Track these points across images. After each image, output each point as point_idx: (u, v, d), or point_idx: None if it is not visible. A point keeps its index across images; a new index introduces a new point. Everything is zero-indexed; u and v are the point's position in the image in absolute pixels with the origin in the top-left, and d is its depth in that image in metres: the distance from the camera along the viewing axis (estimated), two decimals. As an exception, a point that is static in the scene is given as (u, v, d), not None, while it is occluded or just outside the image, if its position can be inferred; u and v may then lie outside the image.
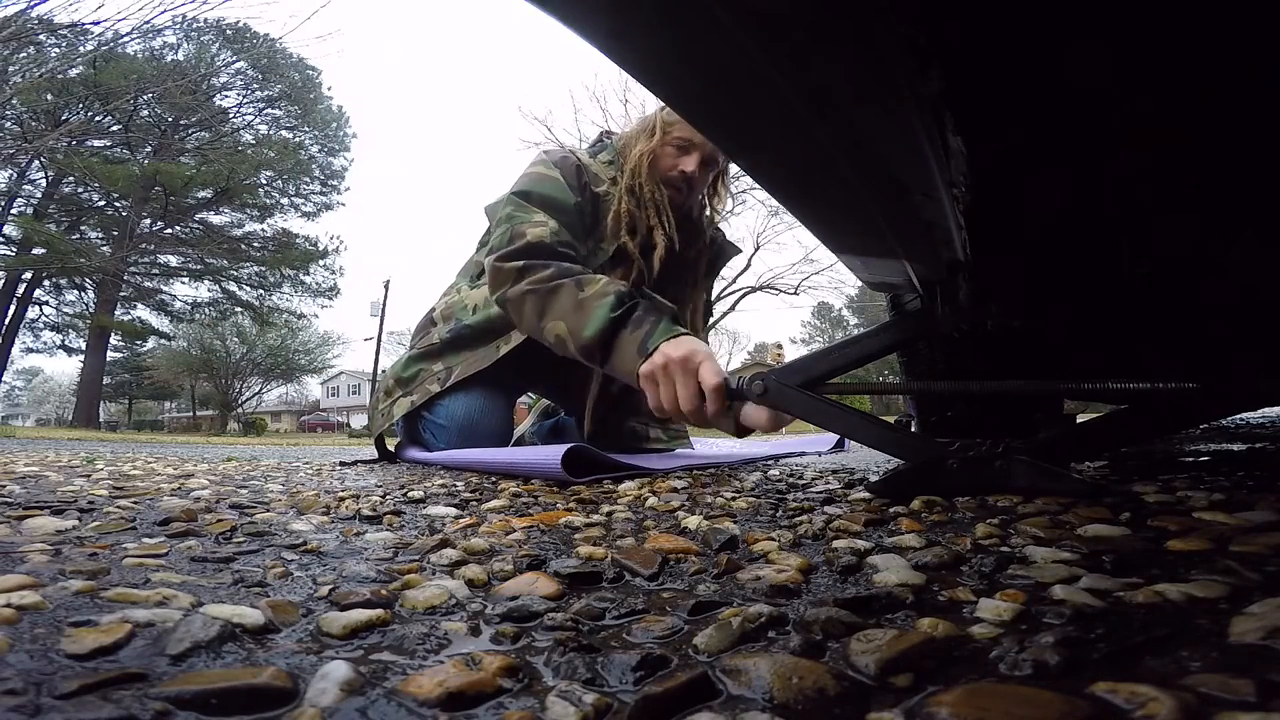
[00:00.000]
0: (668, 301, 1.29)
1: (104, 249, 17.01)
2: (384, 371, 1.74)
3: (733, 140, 0.56)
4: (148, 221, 17.44)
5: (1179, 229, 0.57)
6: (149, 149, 17.15)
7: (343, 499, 0.79)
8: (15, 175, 15.83)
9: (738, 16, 0.36)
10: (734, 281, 18.91)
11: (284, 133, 19.43)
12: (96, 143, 16.35)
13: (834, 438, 1.82)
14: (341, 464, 1.53)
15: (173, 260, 18.51)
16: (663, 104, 1.49)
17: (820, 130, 0.47)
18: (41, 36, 12.34)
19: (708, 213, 1.52)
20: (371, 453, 1.72)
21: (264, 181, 18.64)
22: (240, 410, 25.56)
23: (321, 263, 19.60)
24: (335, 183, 20.03)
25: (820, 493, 0.76)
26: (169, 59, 17.13)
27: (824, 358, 0.84)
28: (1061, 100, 0.39)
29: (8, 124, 14.41)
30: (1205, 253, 0.60)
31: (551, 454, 0.94)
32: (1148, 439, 1.10)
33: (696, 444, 1.75)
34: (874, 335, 0.86)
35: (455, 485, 0.95)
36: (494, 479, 1.04)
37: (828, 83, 0.42)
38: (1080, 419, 0.89)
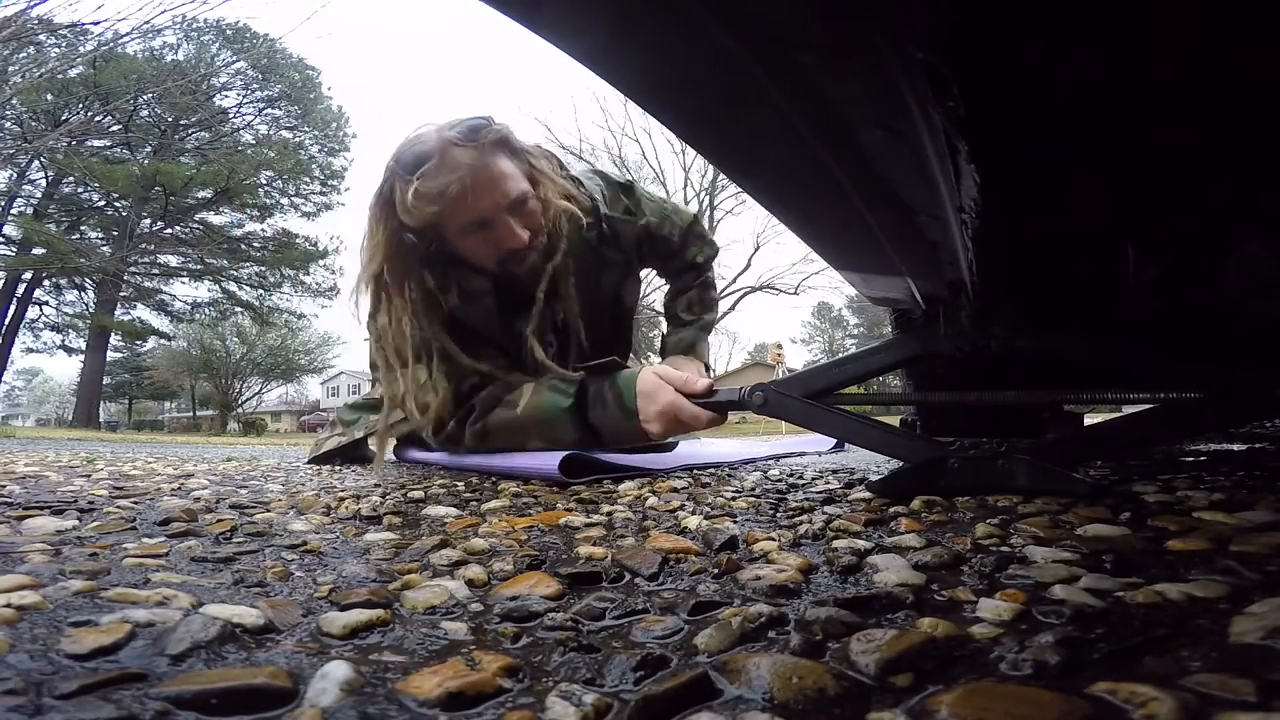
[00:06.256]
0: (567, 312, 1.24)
1: (104, 249, 17.01)
2: (341, 405, 1.75)
3: (733, 163, 0.56)
4: (148, 221, 17.45)
5: (1186, 243, 0.57)
6: (149, 149, 17.15)
7: (343, 499, 0.79)
8: (15, 175, 15.84)
9: (741, 42, 0.35)
10: (734, 281, 18.92)
11: (284, 133, 19.42)
12: (96, 143, 16.35)
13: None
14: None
15: (173, 260, 18.51)
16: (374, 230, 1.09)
17: (825, 155, 0.46)
18: (41, 36, 12.35)
19: (550, 212, 1.18)
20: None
21: (264, 181, 18.63)
22: (240, 410, 25.55)
23: (321, 262, 19.59)
24: (335, 183, 20.00)
25: (820, 493, 0.76)
26: (169, 59, 17.14)
27: (823, 374, 0.85)
28: (1085, 130, 0.39)
29: (8, 124, 14.42)
30: (1211, 266, 0.61)
31: (549, 460, 0.94)
32: (1154, 444, 1.10)
33: (695, 445, 1.75)
34: (874, 353, 0.87)
35: (455, 485, 0.95)
36: (494, 479, 1.04)
37: (835, 109, 0.41)
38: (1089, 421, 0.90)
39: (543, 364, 1.16)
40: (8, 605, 0.33)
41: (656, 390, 0.99)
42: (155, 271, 18.67)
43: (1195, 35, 0.30)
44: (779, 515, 0.62)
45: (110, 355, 21.06)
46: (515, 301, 1.20)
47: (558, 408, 1.07)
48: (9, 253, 16.26)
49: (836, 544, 0.48)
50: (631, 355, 1.61)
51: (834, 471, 1.05)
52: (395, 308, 1.12)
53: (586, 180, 1.34)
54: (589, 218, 1.23)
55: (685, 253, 1.55)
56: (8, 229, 16.17)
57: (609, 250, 1.32)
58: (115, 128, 16.37)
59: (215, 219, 18.63)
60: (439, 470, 1.25)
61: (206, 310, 20.15)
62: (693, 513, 0.64)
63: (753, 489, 0.82)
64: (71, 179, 16.17)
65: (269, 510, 0.72)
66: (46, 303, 18.20)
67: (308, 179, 19.44)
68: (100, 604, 0.35)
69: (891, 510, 0.62)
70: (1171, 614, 0.31)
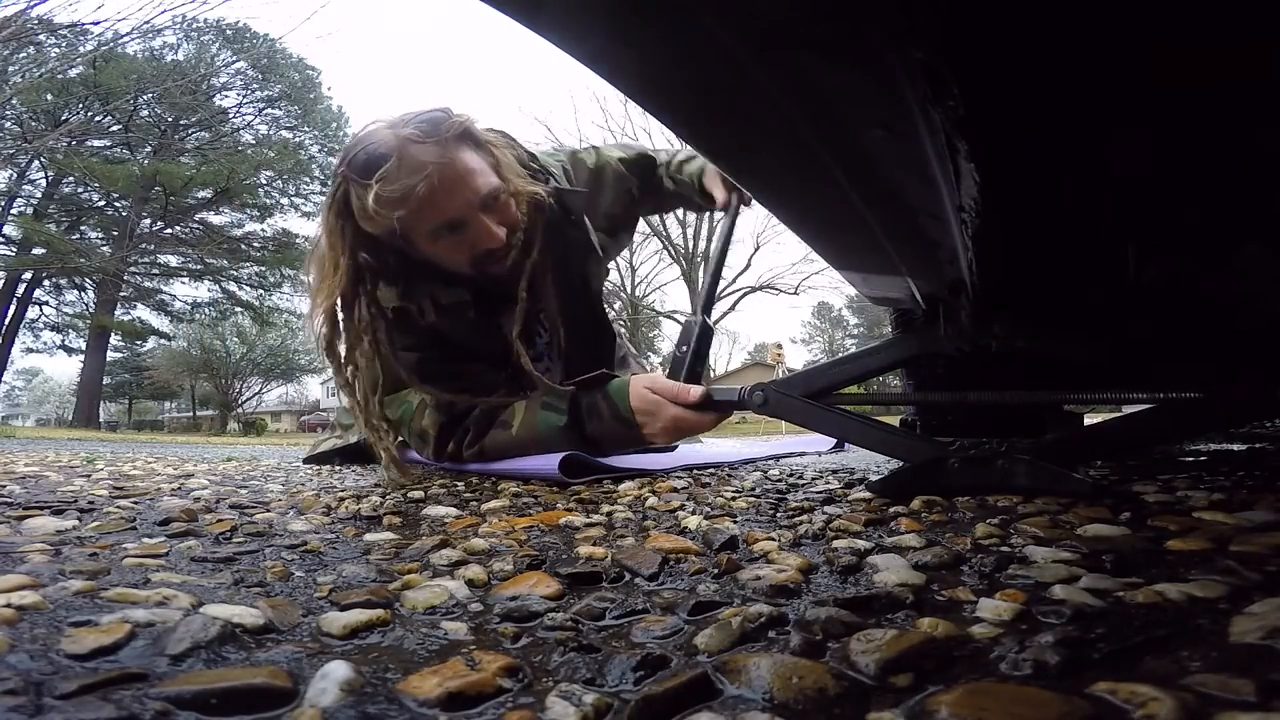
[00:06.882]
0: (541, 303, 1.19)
1: (104, 249, 17.00)
2: (339, 406, 1.73)
3: (731, 161, 0.56)
4: (148, 221, 17.43)
5: (1186, 243, 0.57)
6: (149, 149, 17.13)
7: (343, 499, 0.79)
8: (15, 175, 15.83)
9: (741, 42, 0.35)
10: (734, 281, 18.92)
11: (284, 133, 19.40)
12: (96, 143, 16.33)
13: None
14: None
15: (173, 260, 18.50)
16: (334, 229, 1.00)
17: (825, 155, 0.46)
18: (41, 36, 12.35)
19: (522, 204, 1.11)
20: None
21: (264, 181, 18.61)
22: (240, 410, 25.54)
23: (321, 263, 19.55)
24: (335, 183, 19.96)
25: (820, 493, 0.76)
26: (169, 59, 17.13)
27: (823, 374, 0.85)
28: (1088, 139, 0.39)
29: (8, 124, 14.42)
30: (1210, 269, 0.61)
31: (550, 461, 0.94)
32: (1154, 444, 1.10)
33: (695, 445, 1.75)
34: (874, 353, 0.87)
35: (455, 485, 0.95)
36: (494, 479, 1.04)
37: (835, 108, 0.41)
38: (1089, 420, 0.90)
39: (531, 375, 1.10)
40: (8, 605, 0.33)
41: (656, 408, 0.98)
42: (155, 271, 18.66)
43: (1195, 34, 0.30)
44: (779, 515, 0.62)
45: (110, 355, 21.04)
46: (497, 304, 1.13)
47: (553, 426, 1.05)
48: (9, 253, 16.25)
49: (836, 544, 0.48)
50: (632, 357, 1.60)
51: (834, 471, 1.05)
52: (363, 331, 1.03)
53: (546, 158, 1.26)
54: (549, 199, 1.15)
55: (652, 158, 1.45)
56: (8, 229, 16.16)
57: (569, 229, 1.21)
58: (115, 128, 16.35)
59: (215, 219, 18.61)
60: (439, 470, 1.25)
61: (206, 310, 20.14)
62: (693, 513, 0.64)
63: (753, 489, 0.82)
64: (71, 179, 16.15)
65: (269, 510, 0.71)
66: (46, 303, 18.20)
67: (308, 179, 19.41)
68: (100, 604, 0.35)
69: (891, 510, 0.62)
70: (1171, 614, 0.31)
